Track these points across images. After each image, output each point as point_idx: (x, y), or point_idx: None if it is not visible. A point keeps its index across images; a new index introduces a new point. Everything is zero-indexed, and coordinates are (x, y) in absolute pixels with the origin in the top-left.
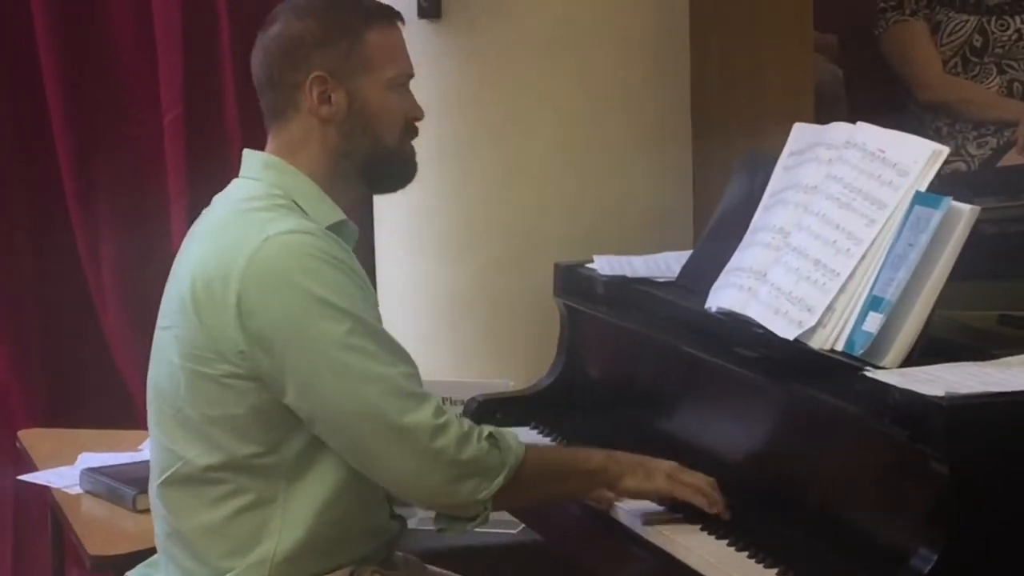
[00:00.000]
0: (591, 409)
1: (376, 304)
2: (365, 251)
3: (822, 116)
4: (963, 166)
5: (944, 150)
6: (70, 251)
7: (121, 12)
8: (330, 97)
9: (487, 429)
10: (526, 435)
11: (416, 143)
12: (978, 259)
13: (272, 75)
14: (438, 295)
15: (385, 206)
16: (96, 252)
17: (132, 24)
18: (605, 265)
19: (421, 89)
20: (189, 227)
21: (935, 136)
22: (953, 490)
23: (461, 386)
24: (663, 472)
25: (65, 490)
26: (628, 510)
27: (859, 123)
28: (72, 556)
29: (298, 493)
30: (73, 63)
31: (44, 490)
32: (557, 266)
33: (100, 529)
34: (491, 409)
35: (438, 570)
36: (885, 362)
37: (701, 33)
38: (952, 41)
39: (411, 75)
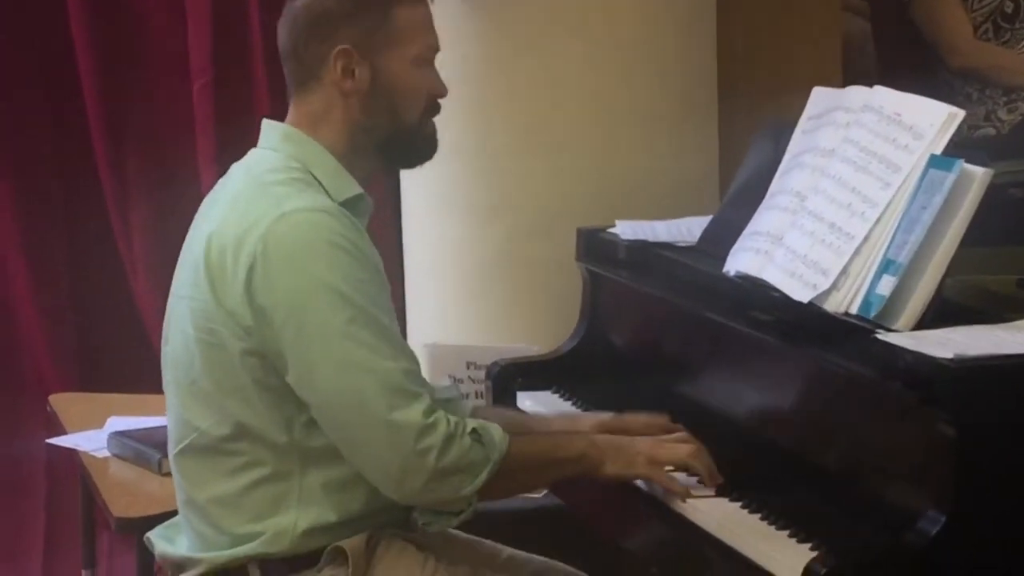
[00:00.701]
0: (612, 373)
1: (386, 288)
2: (392, 217)
3: (850, 71)
4: (993, 131)
5: (959, 113)
6: (100, 217)
7: None
8: (354, 71)
9: (471, 424)
10: (548, 399)
11: (444, 109)
12: (1003, 223)
13: (297, 45)
14: (464, 260)
15: (412, 172)
16: (126, 218)
17: None
18: (627, 230)
19: (448, 56)
20: None
21: (965, 102)
22: (961, 452)
23: (485, 350)
24: (644, 456)
25: (93, 453)
26: None
27: (876, 87)
28: (101, 518)
29: (313, 470)
30: (102, 30)
31: (74, 453)
32: (580, 231)
33: (125, 491)
34: (512, 373)
35: (460, 533)
36: (898, 325)
37: (727, 1)
38: (983, 6)
39: (437, 50)
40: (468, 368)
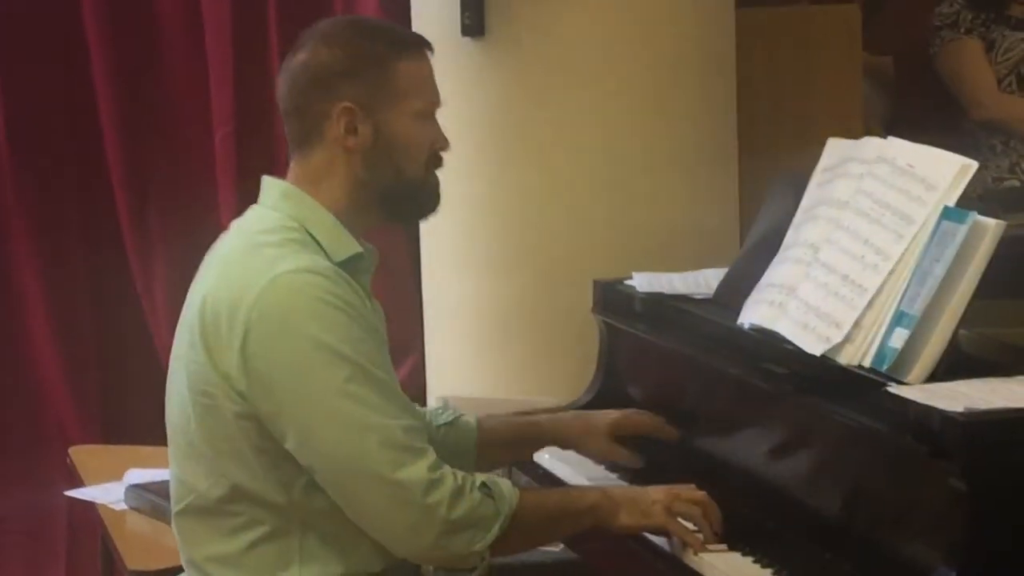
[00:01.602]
0: None
1: (384, 345)
2: (411, 269)
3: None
4: (1018, 183)
5: (972, 164)
6: (123, 270)
7: (173, 29)
8: (357, 128)
9: (480, 478)
10: (564, 452)
11: (459, 160)
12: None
13: (299, 103)
14: (482, 313)
15: (430, 223)
16: (149, 271)
17: (184, 41)
18: (643, 282)
19: (465, 106)
20: None
21: (990, 153)
22: (971, 507)
23: (502, 403)
24: (660, 505)
25: (111, 506)
26: None
27: (890, 138)
28: (120, 572)
29: (315, 530)
30: (125, 80)
31: (92, 506)
32: (596, 283)
33: (142, 544)
34: None
35: None
36: (909, 378)
37: (747, 51)
38: (1007, 59)
39: (439, 105)
40: None
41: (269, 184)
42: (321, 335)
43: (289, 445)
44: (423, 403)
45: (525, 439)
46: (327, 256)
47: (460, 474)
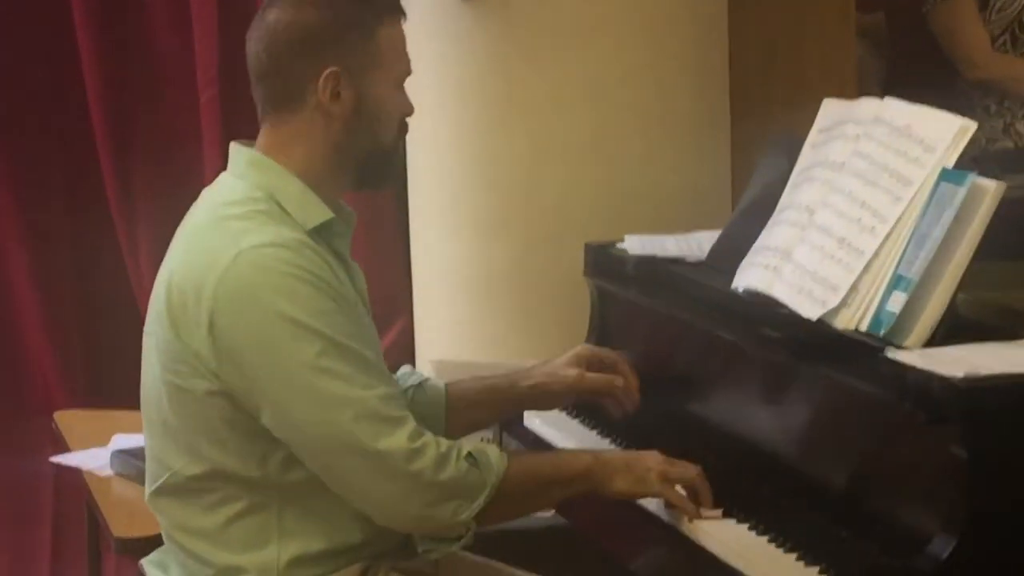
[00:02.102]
0: None
1: (360, 314)
2: (400, 233)
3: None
4: (1012, 144)
5: (971, 125)
6: (108, 233)
7: None
8: (340, 93)
9: (466, 447)
10: (556, 418)
11: (450, 123)
12: (1020, 237)
13: (279, 65)
14: (472, 276)
15: (419, 187)
16: (133, 234)
17: (168, 3)
18: (636, 245)
19: (455, 69)
20: None
21: (984, 114)
22: (971, 474)
23: (493, 367)
24: (655, 472)
25: (96, 472)
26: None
27: (887, 98)
28: (106, 538)
29: (293, 504)
30: (110, 42)
31: (79, 472)
32: (588, 246)
33: (127, 510)
34: None
35: (466, 555)
36: (908, 342)
37: (740, 12)
38: (1001, 17)
39: (410, 73)
40: None
41: (236, 152)
42: (289, 310)
43: (265, 421)
44: (412, 367)
45: (496, 394)
46: (297, 224)
47: (444, 442)
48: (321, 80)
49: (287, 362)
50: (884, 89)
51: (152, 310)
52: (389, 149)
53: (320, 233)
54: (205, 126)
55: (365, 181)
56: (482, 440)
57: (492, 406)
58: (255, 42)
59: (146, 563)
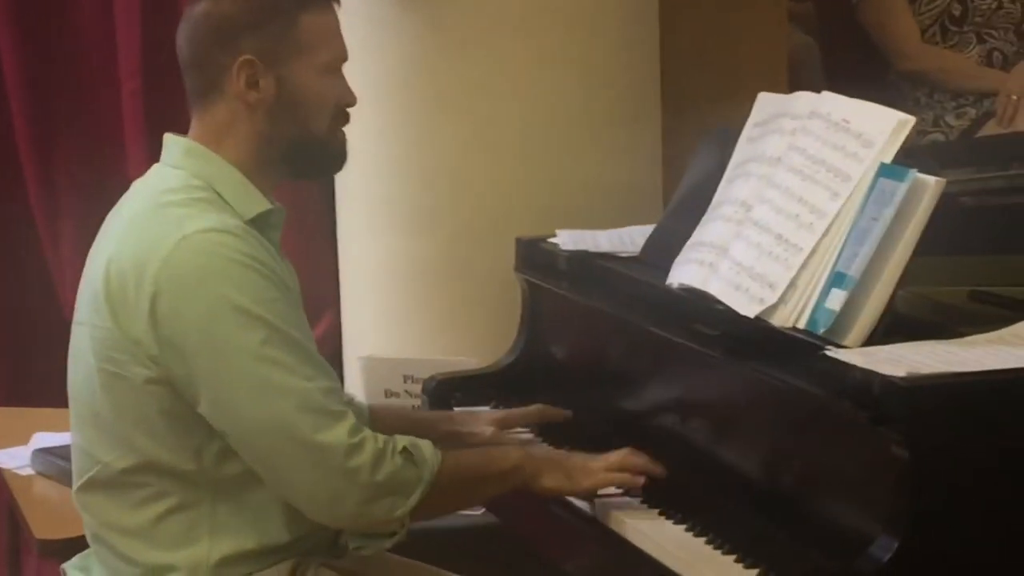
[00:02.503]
0: (553, 388)
1: (299, 306)
2: (327, 226)
3: (797, 89)
4: (941, 137)
5: (910, 120)
6: (28, 227)
7: None
8: (258, 82)
9: (401, 443)
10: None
11: (376, 115)
12: (954, 232)
13: (198, 55)
14: (401, 270)
15: (347, 181)
16: (55, 229)
17: None
18: (568, 240)
19: (381, 59)
20: None
21: (914, 107)
22: (913, 474)
23: (422, 363)
24: (586, 470)
25: (16, 471)
26: None
27: (824, 92)
28: (28, 541)
29: (226, 499)
30: (29, 32)
31: None
32: (518, 240)
33: (49, 511)
34: (449, 388)
35: (393, 556)
36: (847, 341)
37: (671, 4)
38: (931, 9)
39: (345, 59)
40: (405, 382)
41: (171, 141)
42: (234, 296)
43: (203, 410)
44: (339, 365)
45: (414, 430)
46: (235, 214)
47: (381, 438)
48: (235, 69)
49: (230, 349)
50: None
51: (84, 299)
52: (322, 138)
53: (256, 224)
54: (127, 118)
55: (299, 170)
56: None
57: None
58: (180, 33)
59: (68, 568)
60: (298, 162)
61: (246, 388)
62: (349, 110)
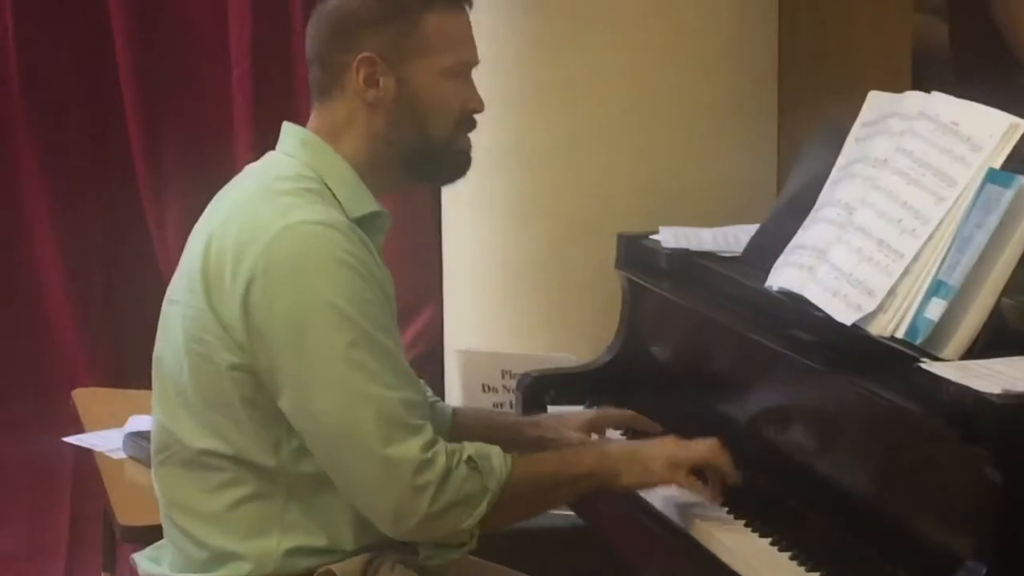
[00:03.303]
0: (648, 389)
1: (392, 311)
2: (432, 220)
3: (920, 76)
4: None
5: (1022, 124)
6: (135, 208)
7: None
8: (378, 81)
9: (468, 451)
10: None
11: (487, 107)
12: None
13: (321, 51)
14: (502, 265)
15: None
16: (162, 212)
17: None
18: (670, 237)
19: (491, 51)
20: None
21: None
22: (1005, 497)
23: (521, 358)
24: (661, 460)
25: (109, 454)
26: (670, 499)
27: (934, 93)
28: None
29: (299, 497)
30: (141, 13)
31: (91, 453)
32: (620, 237)
33: (135, 496)
34: (544, 386)
35: (471, 558)
36: (945, 353)
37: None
38: None
39: (473, 64)
40: (503, 376)
41: (289, 130)
42: (329, 293)
43: (283, 403)
44: (439, 357)
45: (498, 435)
46: (343, 211)
47: (453, 452)
48: (355, 66)
49: (318, 346)
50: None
51: (181, 276)
52: (442, 144)
53: (362, 225)
54: (236, 102)
55: (416, 175)
56: None
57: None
58: (309, 28)
59: (139, 558)
60: (416, 167)
61: (327, 388)
62: (477, 116)
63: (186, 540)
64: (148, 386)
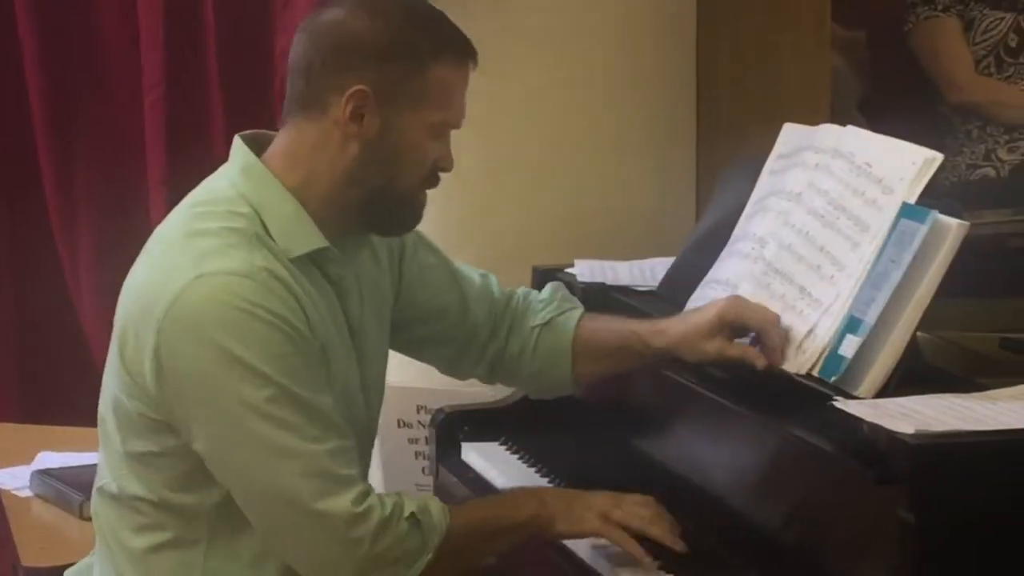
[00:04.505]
0: (563, 425)
1: (316, 357)
2: None
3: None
4: (993, 172)
5: (937, 158)
6: (47, 240)
7: None
8: (363, 116)
9: (409, 507)
10: (494, 451)
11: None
12: (999, 274)
13: (312, 64)
14: None
15: None
16: (73, 241)
17: (114, 1)
18: (586, 270)
19: None
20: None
21: (965, 139)
22: (919, 541)
23: (436, 394)
24: (595, 511)
25: (15, 492)
26: (588, 544)
27: (849, 127)
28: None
29: (222, 544)
30: (52, 39)
31: None
32: (535, 269)
33: (42, 536)
34: (458, 422)
35: None
36: (860, 391)
37: (709, 23)
38: (986, 40)
39: (458, 126)
40: (418, 412)
41: (236, 149)
42: (237, 350)
43: (202, 455)
44: None
45: (625, 350)
46: (276, 251)
47: (389, 503)
48: (346, 95)
49: (232, 404)
50: (862, 110)
51: (116, 312)
52: (404, 195)
53: (310, 259)
54: (149, 129)
55: (370, 223)
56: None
57: (619, 361)
58: (302, 36)
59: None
60: (372, 213)
61: (246, 446)
62: (441, 175)
63: (111, 569)
64: (58, 422)
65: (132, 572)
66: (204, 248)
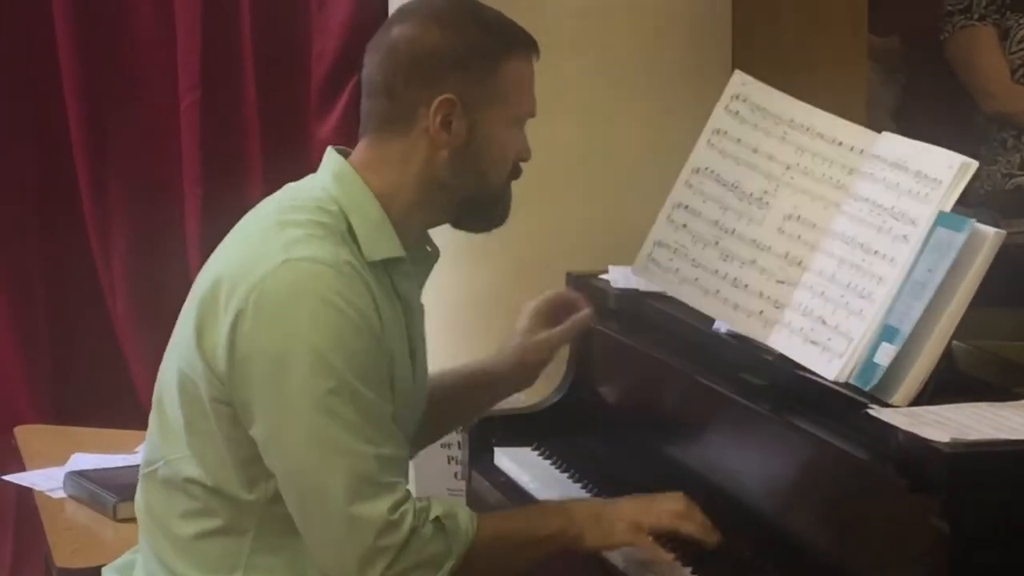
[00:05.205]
0: (596, 432)
1: (385, 365)
2: None
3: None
4: None
5: (972, 164)
6: (81, 241)
7: None
8: (451, 123)
9: (436, 511)
10: (527, 457)
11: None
12: None
13: (394, 83)
14: (453, 303)
15: None
16: (107, 243)
17: (151, 4)
18: (619, 277)
19: None
20: (201, 220)
21: (1000, 148)
22: (953, 550)
23: None
24: (625, 522)
25: (48, 493)
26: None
27: (884, 133)
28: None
29: (268, 537)
30: (89, 42)
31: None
32: (569, 276)
33: (73, 538)
34: (490, 428)
35: None
36: (895, 399)
37: (745, 32)
38: (1022, 48)
39: (533, 114)
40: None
41: (329, 158)
42: (314, 337)
43: (256, 438)
44: None
45: (473, 383)
46: (360, 252)
47: (421, 511)
48: (434, 106)
49: (294, 388)
50: (895, 117)
51: (188, 301)
52: (495, 192)
53: (385, 267)
54: (184, 131)
55: (463, 221)
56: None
57: (470, 397)
58: (372, 55)
59: (106, 572)
60: (466, 213)
61: (299, 434)
62: (523, 164)
63: (154, 559)
64: (91, 424)
65: (177, 560)
66: (293, 236)
